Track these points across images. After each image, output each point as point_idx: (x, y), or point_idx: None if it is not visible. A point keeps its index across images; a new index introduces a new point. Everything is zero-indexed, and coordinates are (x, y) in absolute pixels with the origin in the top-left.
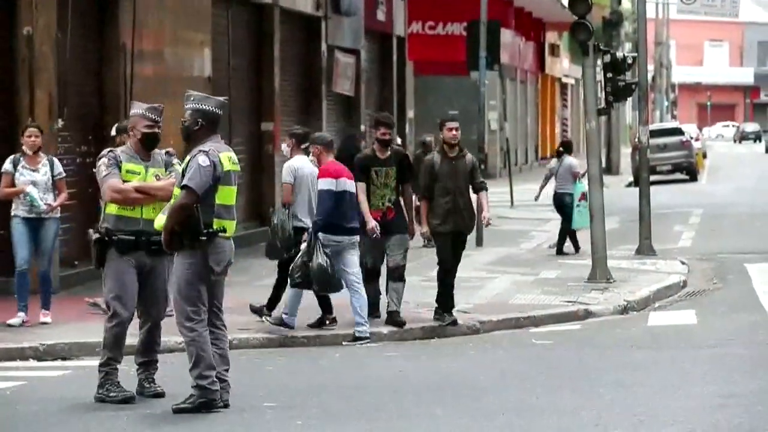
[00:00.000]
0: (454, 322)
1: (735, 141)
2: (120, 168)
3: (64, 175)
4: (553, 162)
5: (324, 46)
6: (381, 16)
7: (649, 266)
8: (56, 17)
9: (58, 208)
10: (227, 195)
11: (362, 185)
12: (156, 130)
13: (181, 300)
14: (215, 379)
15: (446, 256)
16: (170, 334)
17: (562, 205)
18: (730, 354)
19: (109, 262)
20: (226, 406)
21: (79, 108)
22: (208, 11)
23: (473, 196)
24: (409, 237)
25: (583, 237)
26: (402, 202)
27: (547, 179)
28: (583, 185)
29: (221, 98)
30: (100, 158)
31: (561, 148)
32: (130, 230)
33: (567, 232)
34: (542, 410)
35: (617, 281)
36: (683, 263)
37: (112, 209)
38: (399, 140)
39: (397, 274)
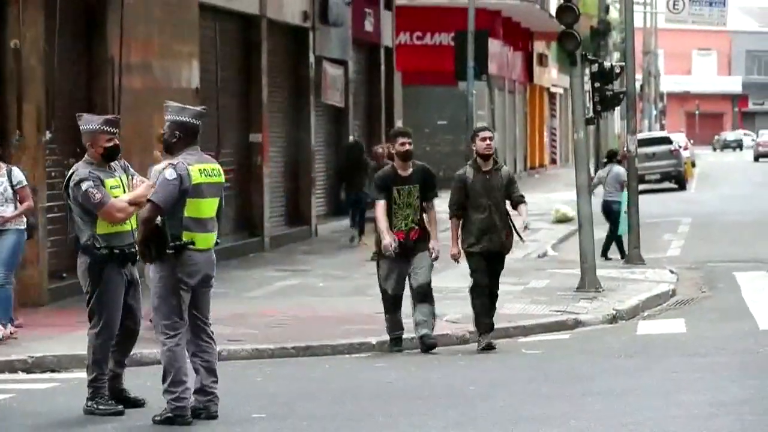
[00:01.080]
0: (489, 346)
1: (715, 149)
2: (104, 186)
3: (25, 183)
4: (601, 171)
5: (312, 57)
6: (369, 26)
7: (638, 275)
8: (44, 30)
9: (23, 218)
10: (197, 208)
11: (382, 203)
12: (116, 141)
13: (156, 313)
14: (182, 396)
15: (480, 278)
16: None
17: (610, 212)
18: (720, 362)
19: (108, 277)
20: (213, 417)
21: (67, 120)
22: (195, 23)
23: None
24: (432, 256)
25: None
26: (427, 221)
27: (594, 187)
28: None
29: (199, 108)
30: (80, 181)
31: (608, 158)
32: (127, 243)
33: (614, 238)
34: (532, 419)
35: (606, 290)
36: (672, 272)
37: (105, 228)
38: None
39: (422, 295)
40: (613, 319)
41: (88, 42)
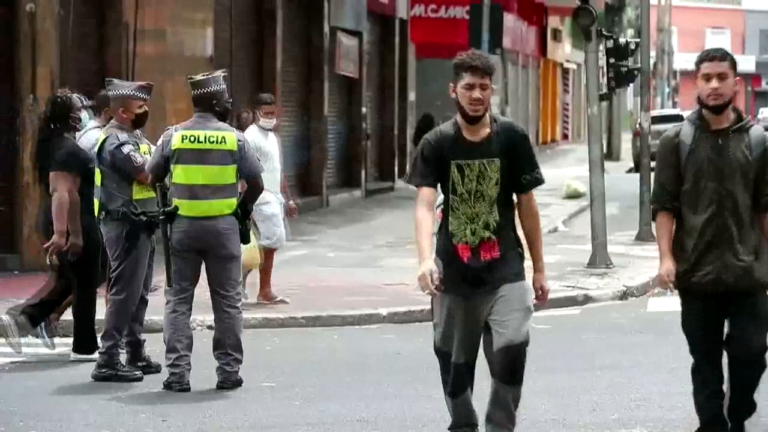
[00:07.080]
0: None
1: None
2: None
3: None
4: None
5: (326, 27)
6: None
7: (648, 252)
8: None
9: None
10: (179, 174)
11: (429, 193)
12: (146, 108)
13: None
14: (176, 363)
15: (695, 334)
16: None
17: None
18: None
19: (140, 246)
20: (221, 387)
21: (80, 85)
22: None
23: None
24: (532, 296)
25: None
26: (520, 224)
27: None
28: None
29: (197, 76)
30: (121, 145)
31: None
32: (154, 211)
33: None
34: (539, 393)
35: (617, 267)
36: None
37: (140, 194)
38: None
39: (505, 363)
40: (624, 295)
41: (103, 7)
